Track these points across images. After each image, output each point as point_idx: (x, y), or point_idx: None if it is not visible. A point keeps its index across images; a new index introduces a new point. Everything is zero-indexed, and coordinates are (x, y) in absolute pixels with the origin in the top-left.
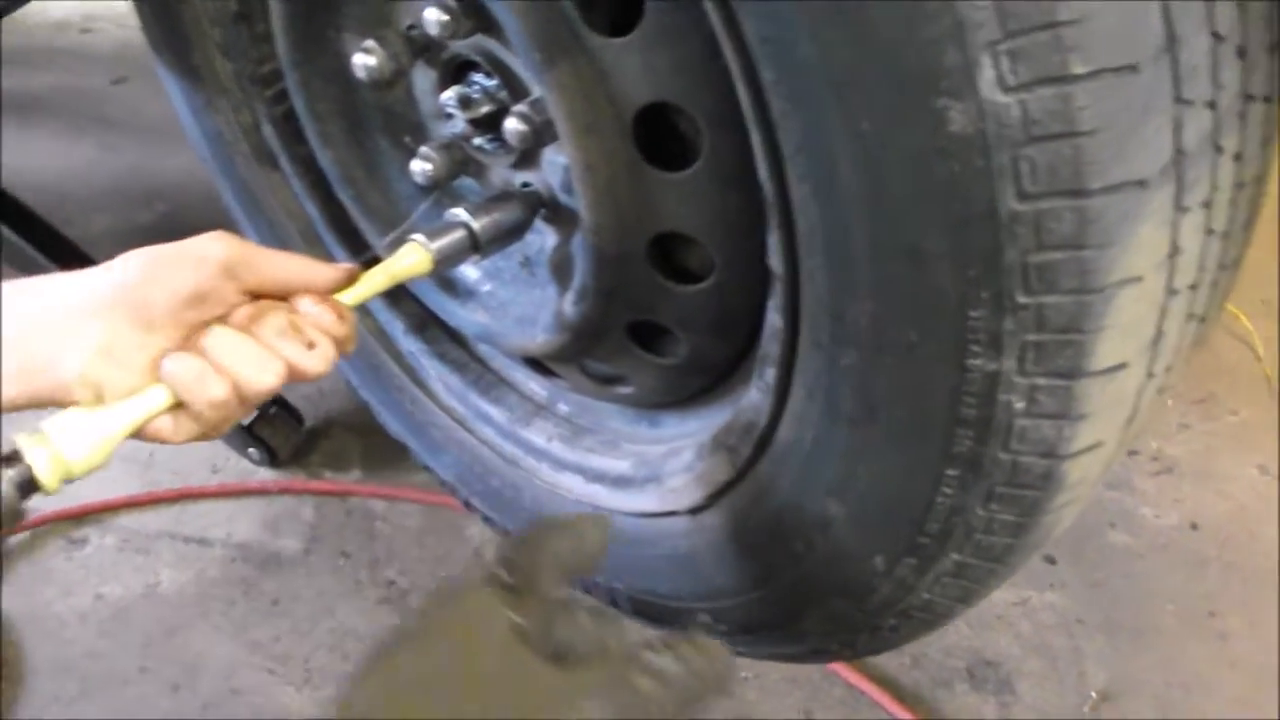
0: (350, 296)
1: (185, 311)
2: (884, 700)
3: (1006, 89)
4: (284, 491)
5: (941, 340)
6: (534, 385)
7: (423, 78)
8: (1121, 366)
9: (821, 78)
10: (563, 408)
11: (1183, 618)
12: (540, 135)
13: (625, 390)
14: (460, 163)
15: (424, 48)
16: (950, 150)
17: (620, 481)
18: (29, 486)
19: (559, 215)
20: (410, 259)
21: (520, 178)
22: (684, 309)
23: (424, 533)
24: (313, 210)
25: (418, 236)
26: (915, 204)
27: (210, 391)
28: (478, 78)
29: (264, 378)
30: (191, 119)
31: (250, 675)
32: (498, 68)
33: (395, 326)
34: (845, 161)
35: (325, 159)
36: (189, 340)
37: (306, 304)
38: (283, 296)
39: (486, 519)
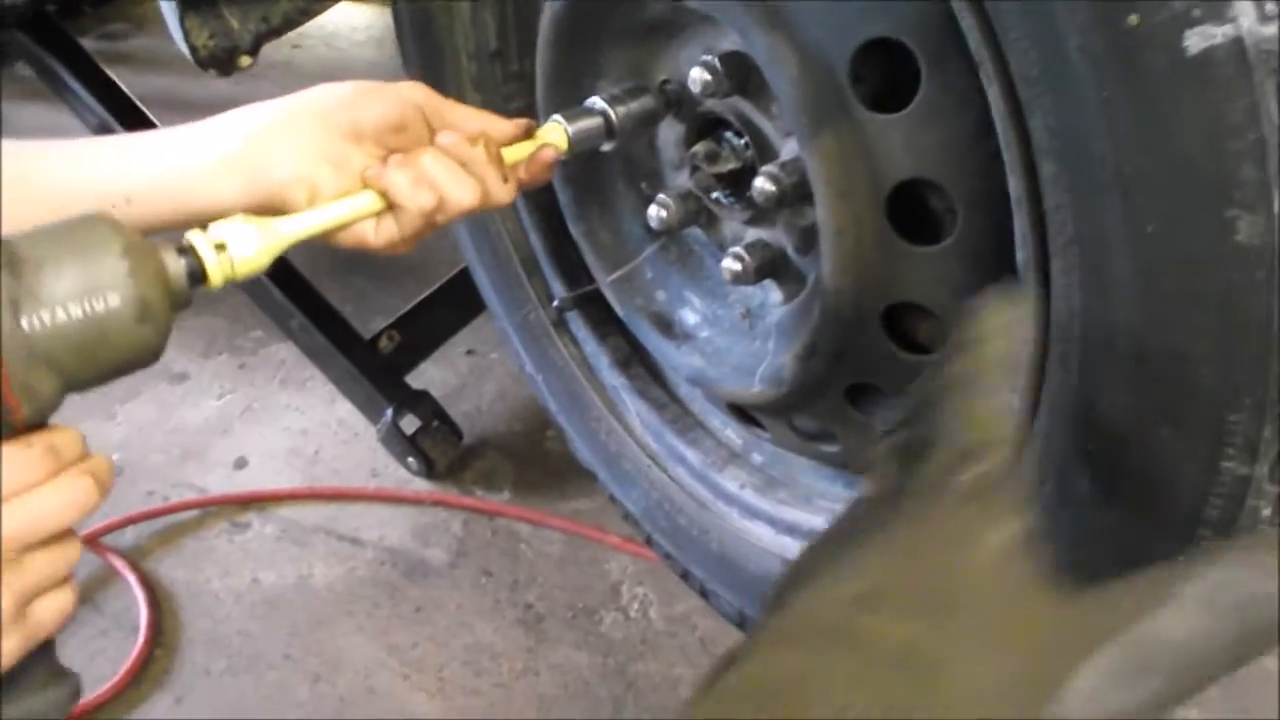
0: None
1: (388, 135)
2: None
3: None
4: (437, 503)
5: (1196, 440)
6: (730, 432)
7: (668, 129)
8: None
9: (1110, 176)
10: (757, 458)
11: None
12: (785, 196)
13: (829, 449)
14: (694, 213)
15: (677, 102)
16: (1233, 259)
17: (813, 536)
18: (197, 277)
19: (787, 274)
20: (551, 136)
21: (753, 233)
22: (911, 379)
23: (565, 561)
24: (536, 242)
25: (558, 117)
26: (1188, 306)
27: (420, 199)
28: (728, 135)
29: (465, 195)
30: None
31: (386, 677)
32: (748, 128)
33: (601, 360)
34: (1121, 259)
35: (564, 196)
36: (393, 158)
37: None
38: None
39: (667, 556)
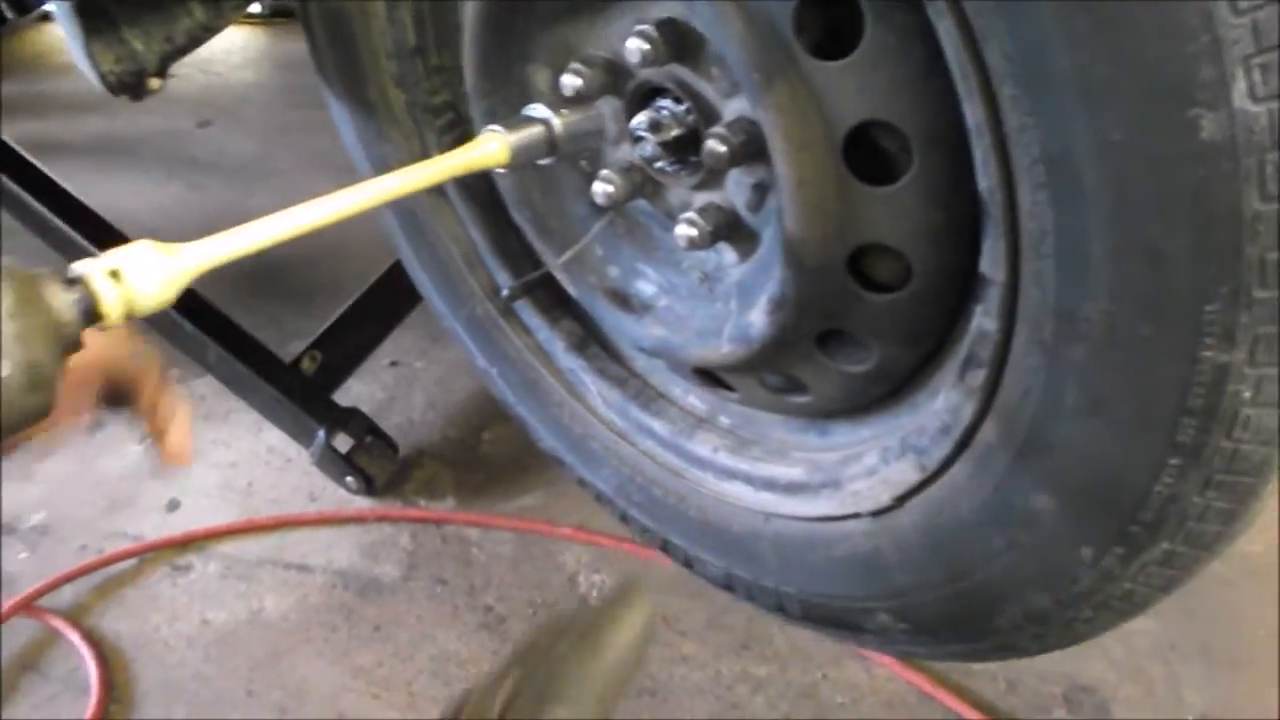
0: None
1: None
2: None
3: (1257, 99)
4: (381, 519)
5: (1176, 334)
6: (693, 399)
7: (603, 105)
8: None
9: (1073, 91)
10: (724, 420)
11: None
12: (736, 156)
13: (802, 400)
14: (639, 184)
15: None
16: (1200, 156)
17: (793, 488)
18: (91, 315)
19: (740, 234)
20: (488, 147)
21: (702, 198)
22: (878, 318)
23: (519, 560)
24: (476, 235)
25: (495, 127)
26: (1160, 207)
27: None
28: (665, 103)
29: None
30: (360, 149)
31: (355, 700)
32: (688, 93)
33: (555, 345)
34: (1091, 170)
35: (505, 183)
36: None
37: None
38: None
39: (644, 530)
